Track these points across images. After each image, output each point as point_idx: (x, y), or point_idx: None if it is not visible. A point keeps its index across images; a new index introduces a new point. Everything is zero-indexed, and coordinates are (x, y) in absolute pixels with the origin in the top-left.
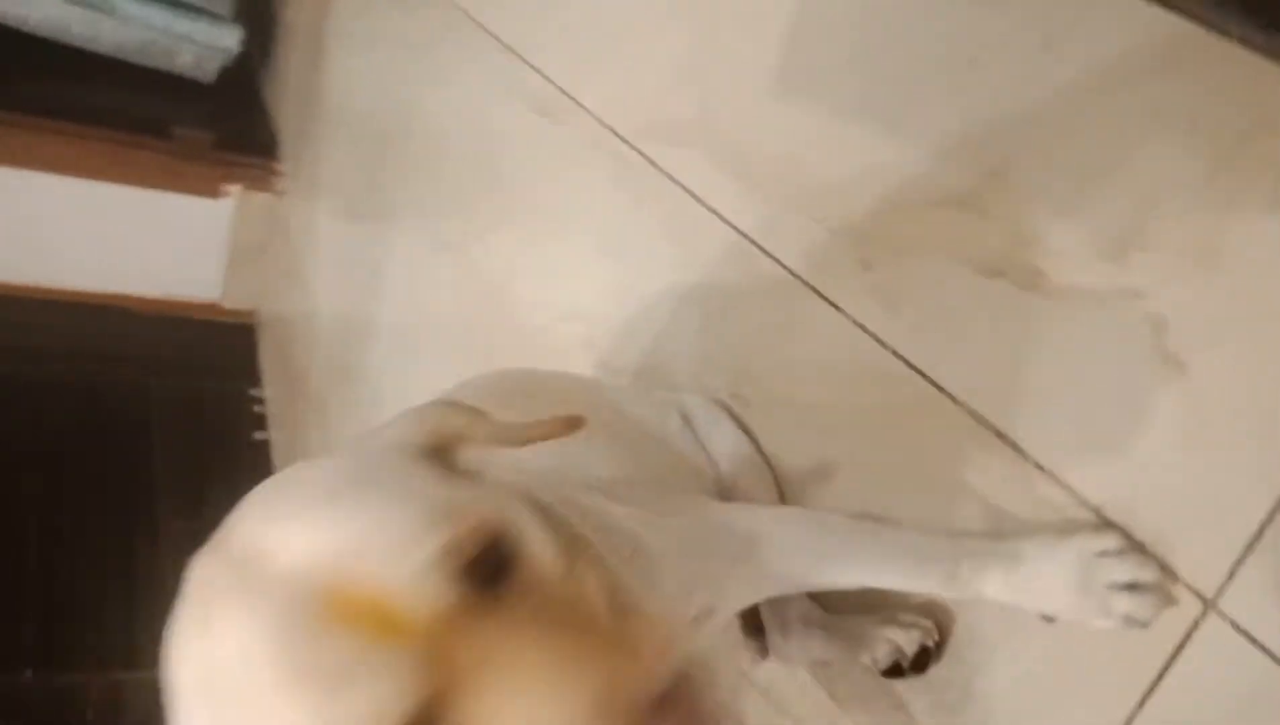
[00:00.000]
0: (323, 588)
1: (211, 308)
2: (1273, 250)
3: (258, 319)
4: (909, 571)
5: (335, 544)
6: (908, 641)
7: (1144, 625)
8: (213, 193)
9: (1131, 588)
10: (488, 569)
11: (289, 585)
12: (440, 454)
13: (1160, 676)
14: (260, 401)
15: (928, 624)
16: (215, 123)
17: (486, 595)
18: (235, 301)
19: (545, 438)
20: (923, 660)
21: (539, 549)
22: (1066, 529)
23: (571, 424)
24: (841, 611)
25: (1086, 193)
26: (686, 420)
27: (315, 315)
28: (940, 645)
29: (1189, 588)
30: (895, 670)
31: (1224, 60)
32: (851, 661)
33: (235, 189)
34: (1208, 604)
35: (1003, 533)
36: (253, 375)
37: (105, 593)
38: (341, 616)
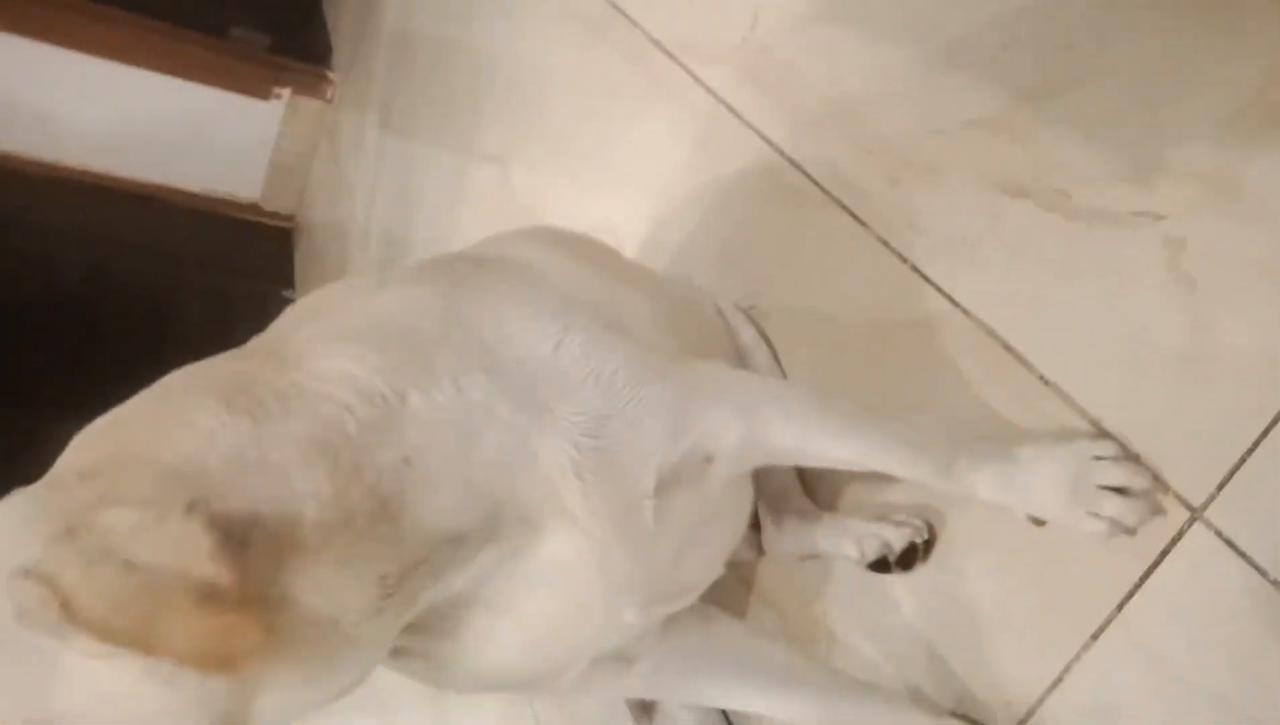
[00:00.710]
0: None
1: (251, 208)
2: None
3: (296, 223)
4: (905, 458)
5: None
6: (897, 538)
7: (1130, 531)
8: (263, 95)
9: (1122, 493)
10: None
11: None
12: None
13: (1141, 582)
14: (293, 303)
15: (919, 523)
16: (272, 26)
17: None
18: (275, 204)
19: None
20: (909, 558)
21: None
22: (1064, 436)
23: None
24: (836, 511)
25: (1116, 119)
26: (719, 312)
27: (353, 225)
28: (929, 545)
29: (1178, 498)
30: (882, 565)
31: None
32: (841, 556)
33: (285, 93)
34: (1194, 513)
35: (1002, 439)
36: (288, 278)
37: None
38: None
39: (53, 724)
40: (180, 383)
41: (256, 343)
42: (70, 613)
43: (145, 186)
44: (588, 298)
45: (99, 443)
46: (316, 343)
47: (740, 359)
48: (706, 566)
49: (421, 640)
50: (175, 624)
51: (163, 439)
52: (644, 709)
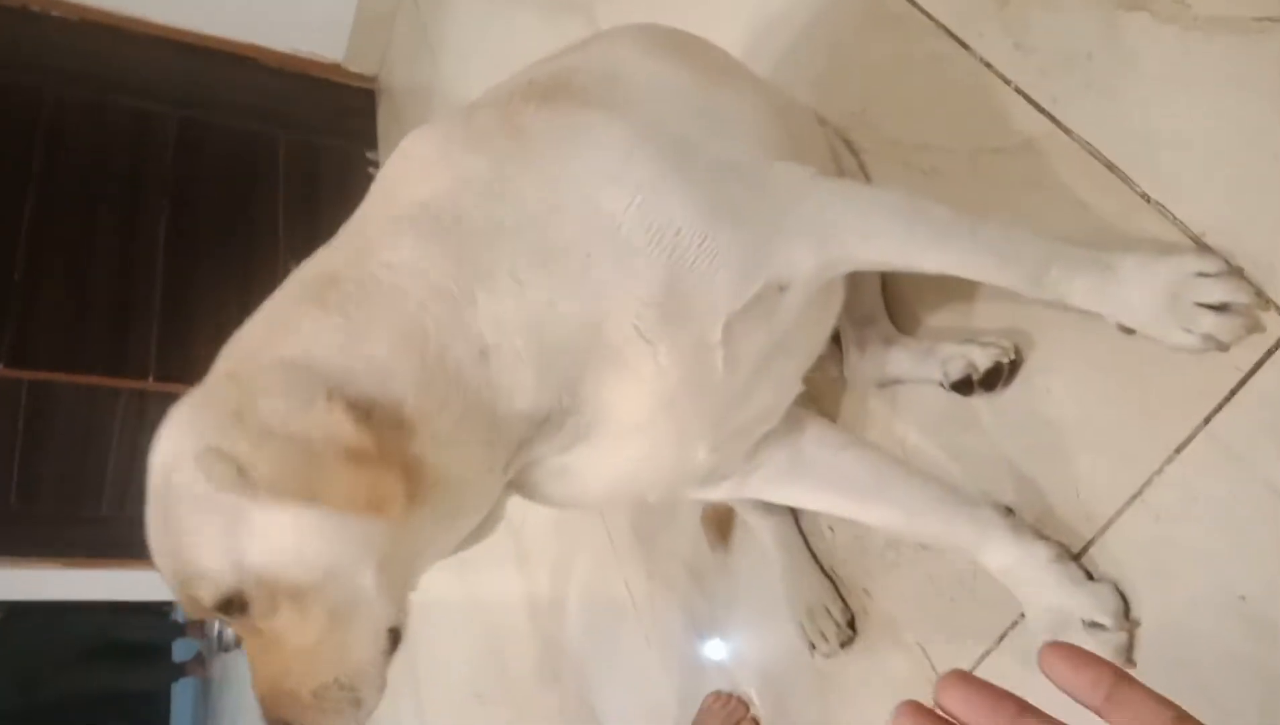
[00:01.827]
0: None
1: (334, 68)
2: None
3: (378, 85)
4: (999, 264)
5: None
6: (982, 357)
7: (1224, 347)
8: None
9: (1221, 309)
10: (232, 606)
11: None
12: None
13: (1230, 396)
14: (375, 165)
15: (1005, 344)
16: None
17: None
18: (358, 65)
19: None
20: (994, 378)
21: (273, 602)
22: (1166, 250)
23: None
24: (919, 336)
25: None
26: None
27: (435, 85)
28: (1014, 366)
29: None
30: (965, 385)
31: None
32: (924, 379)
33: None
34: None
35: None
36: (370, 138)
37: (221, 318)
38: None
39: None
40: (292, 285)
41: (347, 226)
42: (248, 478)
43: (231, 44)
44: (670, 125)
45: (236, 352)
46: (385, 229)
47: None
48: (781, 391)
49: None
50: (332, 480)
51: (281, 343)
52: (719, 527)
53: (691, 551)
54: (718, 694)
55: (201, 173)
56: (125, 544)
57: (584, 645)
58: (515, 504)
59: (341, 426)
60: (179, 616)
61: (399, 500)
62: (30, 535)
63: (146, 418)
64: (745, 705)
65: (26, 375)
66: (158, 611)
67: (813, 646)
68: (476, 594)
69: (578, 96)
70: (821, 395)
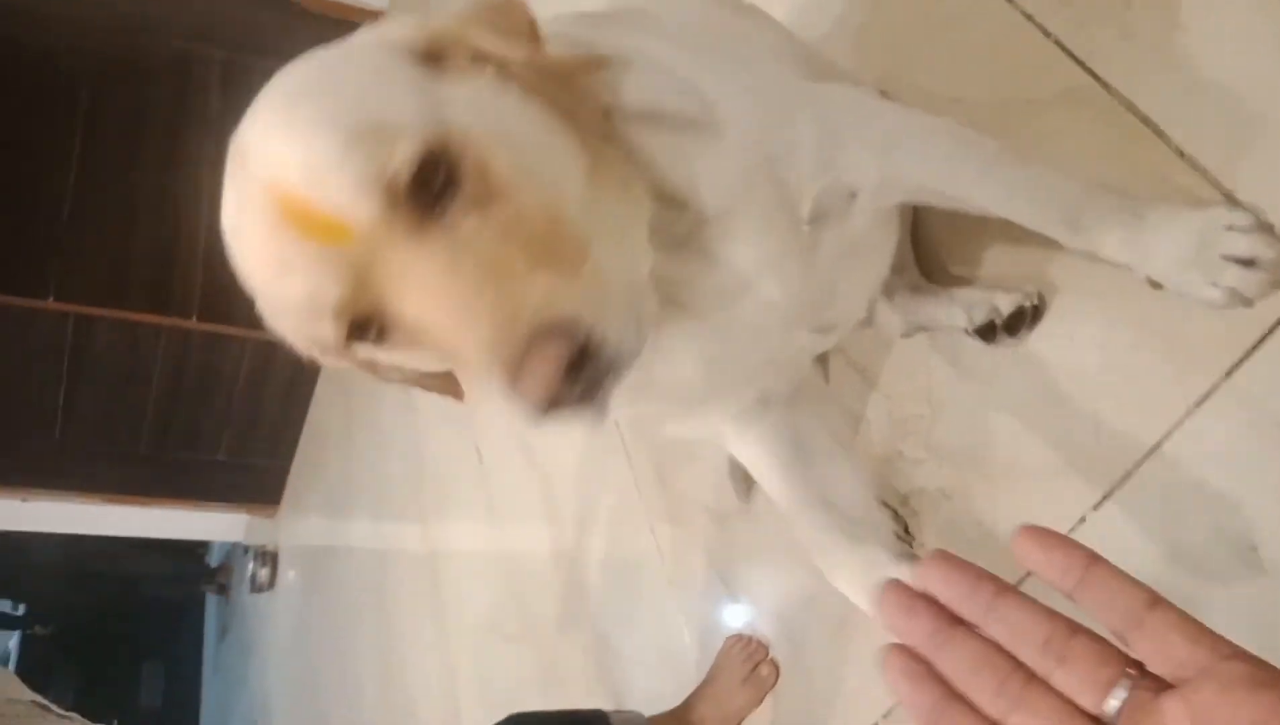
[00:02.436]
0: (273, 191)
1: (375, 16)
2: None
3: None
4: (1036, 205)
5: (281, 155)
6: (1006, 303)
7: (1249, 303)
8: None
9: (1248, 263)
10: (428, 188)
11: (254, 183)
12: (434, 58)
13: (1253, 350)
14: None
15: (1030, 289)
16: None
17: (426, 213)
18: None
19: (564, 72)
20: (1016, 323)
21: (487, 171)
22: (1198, 204)
23: (598, 64)
24: (946, 286)
25: None
26: None
27: None
28: (1037, 312)
29: None
30: (989, 331)
31: None
32: (949, 325)
33: None
34: None
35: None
36: None
37: None
38: (286, 218)
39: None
40: None
41: None
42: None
43: None
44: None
45: None
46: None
47: None
48: (854, 302)
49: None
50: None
51: None
52: (746, 476)
53: (715, 499)
54: (738, 636)
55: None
56: (166, 483)
57: (607, 588)
58: (543, 452)
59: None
60: (213, 560)
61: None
62: (72, 469)
63: (188, 357)
64: (765, 648)
65: (72, 309)
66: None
67: None
68: (503, 541)
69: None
70: (852, 343)
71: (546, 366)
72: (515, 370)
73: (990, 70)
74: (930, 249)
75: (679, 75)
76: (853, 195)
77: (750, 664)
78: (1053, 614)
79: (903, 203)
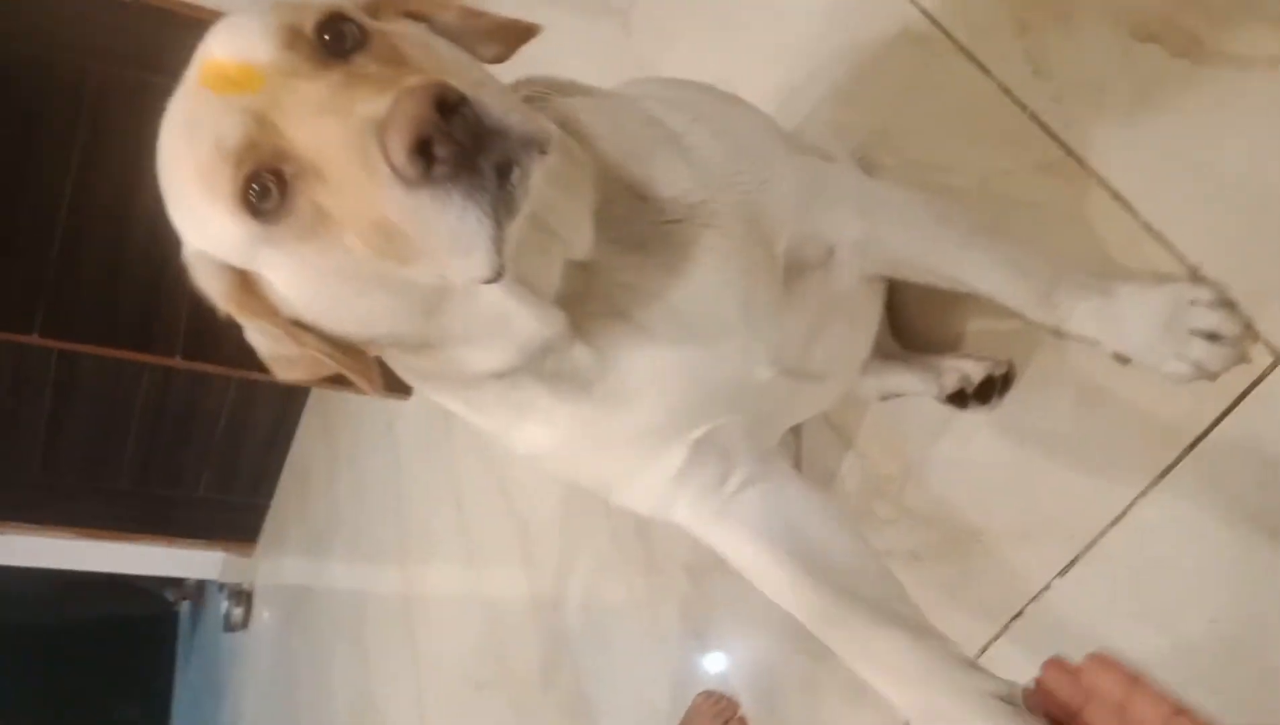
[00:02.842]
0: (200, 71)
1: None
2: None
3: None
4: (1010, 280)
5: (213, 42)
6: (975, 370)
7: (1213, 377)
8: None
9: (1212, 337)
10: (337, 43)
11: (189, 80)
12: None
13: (1216, 423)
14: None
15: (999, 358)
16: None
17: (330, 60)
18: None
19: (497, 37)
20: (987, 391)
21: (398, 46)
22: (1163, 278)
23: (527, 33)
24: (918, 352)
25: None
26: None
27: None
28: (1007, 380)
29: (1267, 344)
30: (959, 398)
31: None
32: (920, 392)
33: None
34: (1279, 358)
35: (1102, 276)
36: None
37: None
38: (208, 81)
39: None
40: None
41: None
42: None
43: None
44: (717, 110)
45: None
46: None
47: None
48: (836, 360)
49: (596, 333)
50: None
51: None
52: None
53: (691, 554)
54: (708, 693)
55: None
56: (144, 519)
57: (583, 641)
58: (522, 500)
59: None
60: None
61: None
62: (50, 503)
63: (171, 394)
64: (735, 705)
65: (56, 345)
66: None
67: None
68: (480, 588)
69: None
70: (830, 409)
71: (413, 102)
72: (384, 124)
73: (971, 139)
74: (904, 317)
75: (642, 104)
76: (832, 252)
77: (719, 721)
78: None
79: (880, 274)
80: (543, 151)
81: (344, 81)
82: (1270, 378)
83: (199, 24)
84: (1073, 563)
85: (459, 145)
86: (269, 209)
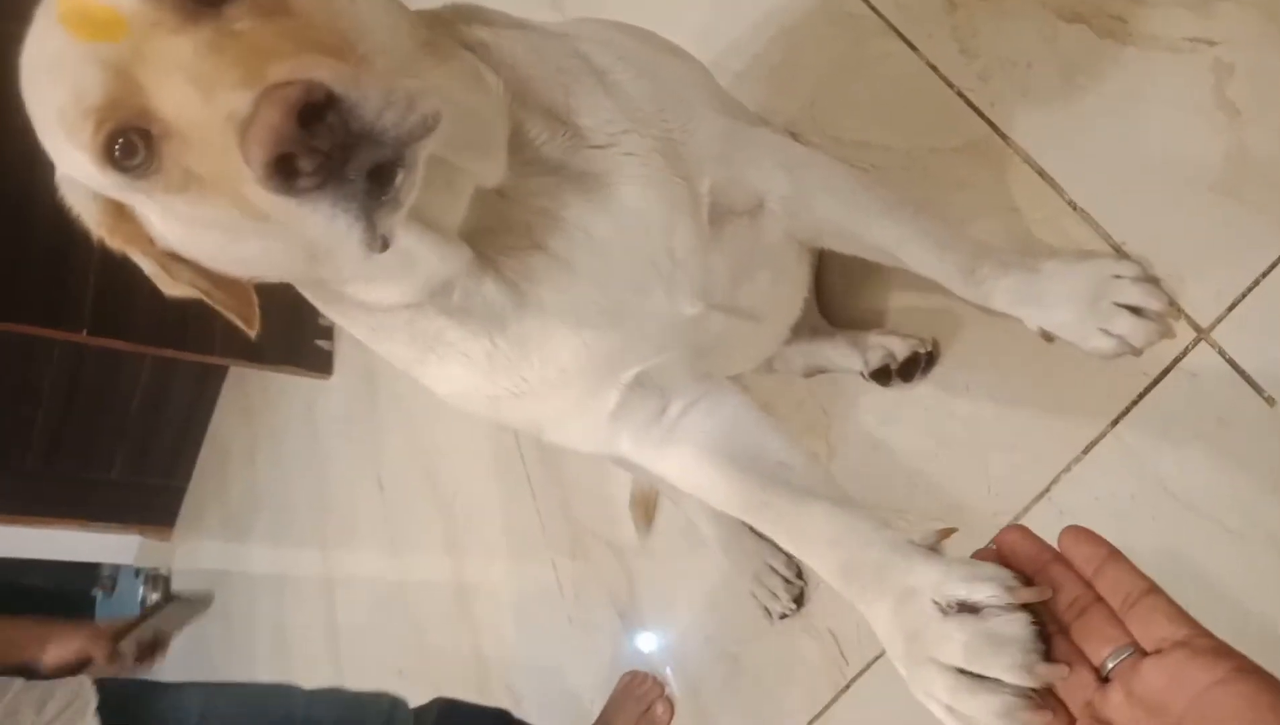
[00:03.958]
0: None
1: None
2: None
3: None
4: (934, 252)
5: None
6: (901, 347)
7: (1137, 352)
8: None
9: (1136, 312)
10: None
11: (50, 5)
12: None
13: (1138, 399)
14: None
15: (924, 336)
16: None
17: (200, 10)
18: None
19: None
20: (911, 368)
21: None
22: (1088, 255)
23: None
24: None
25: None
26: None
27: None
28: (931, 358)
29: (1189, 320)
30: (884, 375)
31: None
32: (846, 368)
33: None
34: (1201, 333)
35: (1028, 253)
36: None
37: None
38: (67, 20)
39: None
40: None
41: None
42: None
43: None
44: (645, 53)
45: None
46: None
47: None
48: (765, 303)
49: (511, 267)
50: None
51: None
52: (645, 510)
53: (617, 535)
54: (634, 673)
55: None
56: (54, 501)
57: (508, 624)
58: (447, 482)
59: None
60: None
61: None
62: None
63: (82, 372)
64: (660, 685)
65: None
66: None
67: (768, 613)
68: (403, 572)
69: None
70: (754, 382)
71: (272, 112)
72: (245, 127)
73: (899, 116)
74: (830, 293)
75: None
76: (761, 205)
77: (644, 703)
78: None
79: (807, 240)
80: (429, 132)
81: (211, 43)
82: (1194, 353)
83: None
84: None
85: (324, 156)
86: (135, 165)
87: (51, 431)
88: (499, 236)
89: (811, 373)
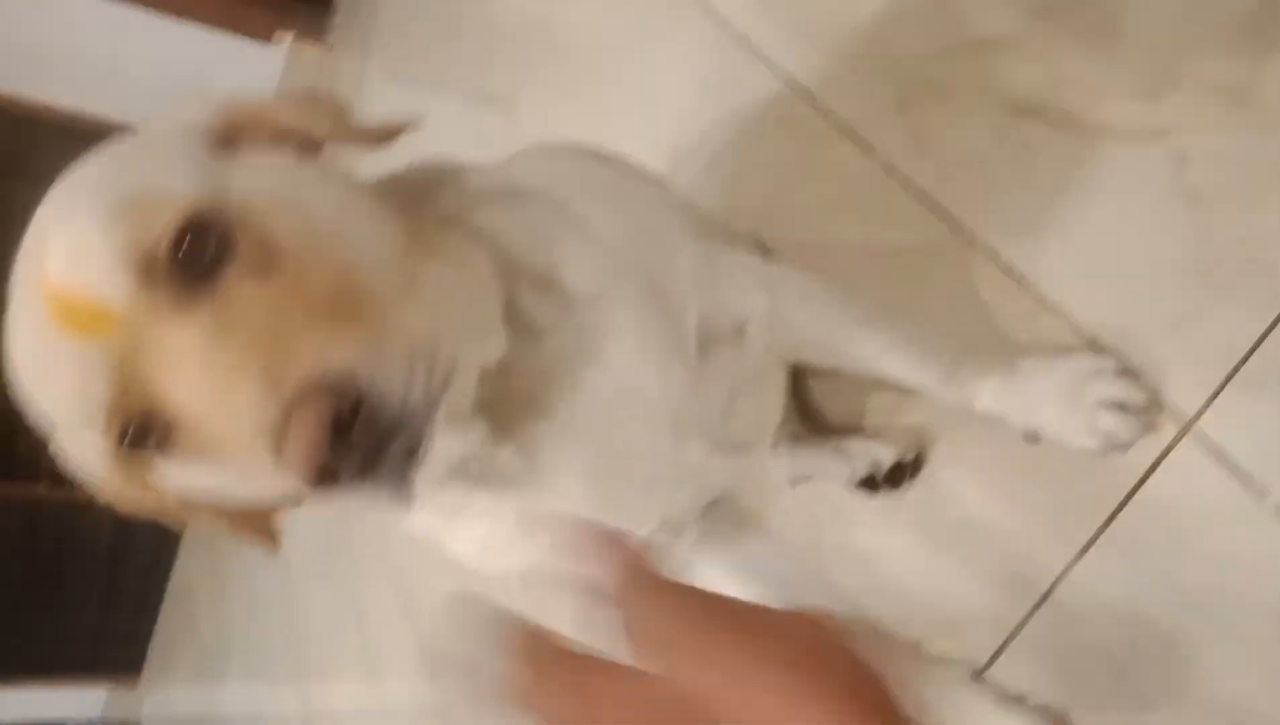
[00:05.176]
0: (42, 285)
1: None
2: None
3: None
4: (915, 360)
5: (49, 244)
6: (886, 455)
7: (1124, 448)
8: (265, 37)
9: (1119, 407)
10: (197, 260)
11: (28, 280)
12: (231, 139)
13: (1130, 496)
14: None
15: (909, 440)
16: None
17: (194, 286)
18: None
19: (373, 140)
20: (897, 475)
21: (267, 236)
22: (1065, 351)
23: (404, 128)
24: (827, 436)
25: (1125, 35)
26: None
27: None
28: (917, 463)
29: (1172, 412)
30: (870, 483)
31: None
32: (832, 476)
33: (288, 37)
34: (1185, 426)
35: (1005, 352)
36: None
37: None
38: (51, 311)
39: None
40: None
41: None
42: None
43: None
44: (617, 185)
45: None
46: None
47: None
48: (752, 430)
49: (520, 433)
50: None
51: None
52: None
53: None
54: None
55: None
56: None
57: None
58: (427, 615)
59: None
60: None
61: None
62: None
63: (40, 523)
64: None
65: None
66: None
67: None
68: (384, 706)
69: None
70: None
71: (308, 430)
72: (279, 440)
73: (860, 218)
74: (812, 399)
75: (544, 188)
76: (742, 328)
77: None
78: None
79: (787, 357)
80: (450, 387)
81: (216, 326)
82: (1181, 445)
83: (62, 129)
84: (997, 653)
85: (361, 454)
86: (148, 447)
87: (10, 588)
88: (504, 406)
89: (797, 481)
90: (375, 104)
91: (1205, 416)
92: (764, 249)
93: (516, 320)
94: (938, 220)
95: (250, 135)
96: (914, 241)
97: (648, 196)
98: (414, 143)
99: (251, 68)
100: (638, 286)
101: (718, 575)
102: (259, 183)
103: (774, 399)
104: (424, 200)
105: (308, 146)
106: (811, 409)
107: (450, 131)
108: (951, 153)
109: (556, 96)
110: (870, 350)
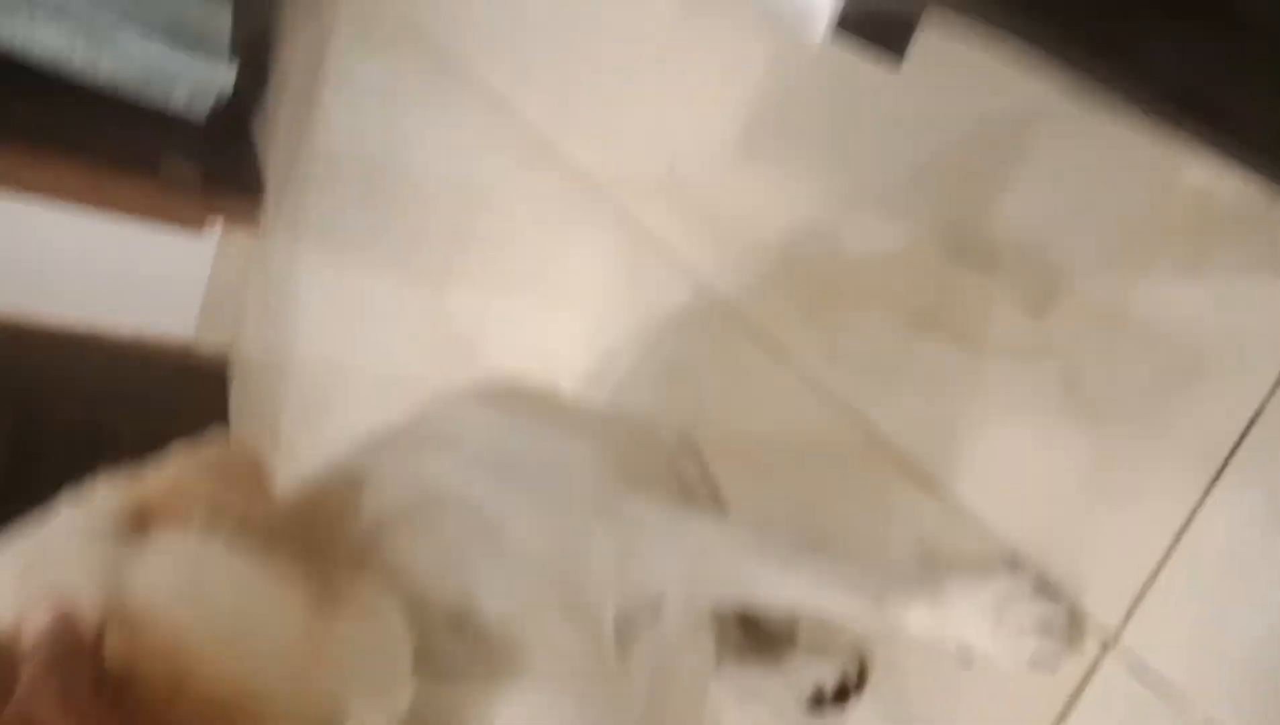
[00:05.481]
0: None
1: (184, 350)
2: (1178, 312)
3: (230, 361)
4: (841, 596)
5: None
6: (830, 674)
7: (1051, 670)
8: (196, 227)
9: (1041, 630)
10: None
11: None
12: (142, 521)
13: (1064, 714)
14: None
15: (850, 654)
16: (204, 157)
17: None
18: (209, 343)
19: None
20: (844, 692)
21: (164, 650)
22: (986, 568)
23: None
24: (770, 652)
25: (1016, 253)
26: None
27: (289, 357)
28: (861, 679)
29: (1094, 627)
30: (818, 702)
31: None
32: (778, 697)
33: (218, 225)
34: (1106, 644)
35: (929, 568)
36: (222, 417)
37: None
38: None
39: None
40: None
41: None
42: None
43: (75, 330)
44: (529, 463)
45: None
46: None
47: (685, 489)
48: (687, 699)
49: None
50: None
51: None
52: None
53: None
54: None
55: (35, 466)
56: None
57: None
58: None
59: None
60: None
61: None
62: None
63: None
64: None
65: None
66: None
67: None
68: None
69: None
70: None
71: None
72: None
73: (781, 423)
74: (749, 616)
75: (457, 491)
76: (659, 602)
77: None
78: None
79: (709, 612)
80: None
81: None
82: (1106, 660)
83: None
84: None
85: None
86: None
87: None
88: None
89: (745, 702)
90: (308, 286)
91: (1126, 630)
92: (693, 449)
93: (428, 665)
94: (851, 427)
95: (161, 516)
96: (835, 443)
97: (560, 464)
98: (349, 334)
99: (183, 257)
100: (552, 594)
101: None
102: (159, 580)
103: (703, 661)
104: (336, 529)
105: (218, 518)
106: (749, 618)
107: (383, 317)
108: (860, 361)
109: (481, 285)
110: (794, 593)
